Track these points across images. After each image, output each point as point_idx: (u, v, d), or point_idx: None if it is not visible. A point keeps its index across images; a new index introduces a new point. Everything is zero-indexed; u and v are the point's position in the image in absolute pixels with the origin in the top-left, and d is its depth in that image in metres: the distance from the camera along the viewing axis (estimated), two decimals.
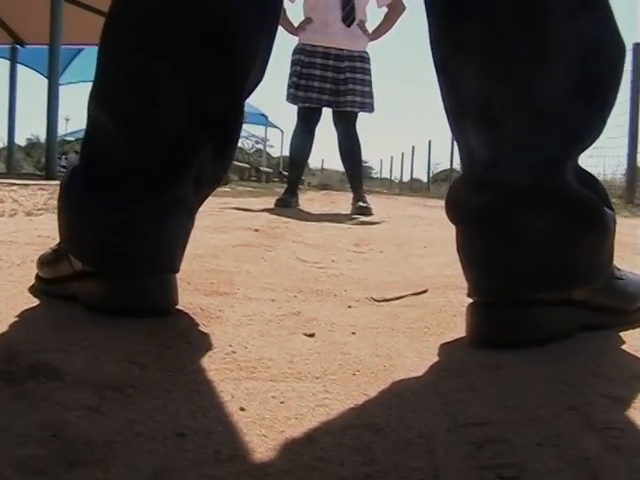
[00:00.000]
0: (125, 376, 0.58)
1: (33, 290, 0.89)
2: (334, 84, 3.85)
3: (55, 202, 2.81)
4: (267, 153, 22.19)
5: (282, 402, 0.56)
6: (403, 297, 1.10)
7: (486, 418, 0.54)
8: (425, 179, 19.46)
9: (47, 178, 5.76)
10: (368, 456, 0.47)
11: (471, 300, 0.80)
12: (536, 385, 0.63)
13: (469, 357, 0.73)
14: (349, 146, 3.97)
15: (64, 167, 9.56)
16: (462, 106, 0.77)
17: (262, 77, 0.85)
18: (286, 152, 5.71)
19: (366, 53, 3.93)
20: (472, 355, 0.73)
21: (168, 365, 0.63)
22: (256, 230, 2.12)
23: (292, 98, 3.89)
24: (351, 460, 0.46)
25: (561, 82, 0.71)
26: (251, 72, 0.81)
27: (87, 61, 9.78)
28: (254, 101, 18.28)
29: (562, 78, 0.71)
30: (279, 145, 34.46)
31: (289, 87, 3.91)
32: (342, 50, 3.85)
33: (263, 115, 19.35)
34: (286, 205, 3.80)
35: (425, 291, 1.14)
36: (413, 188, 18.73)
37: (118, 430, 0.46)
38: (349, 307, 1.01)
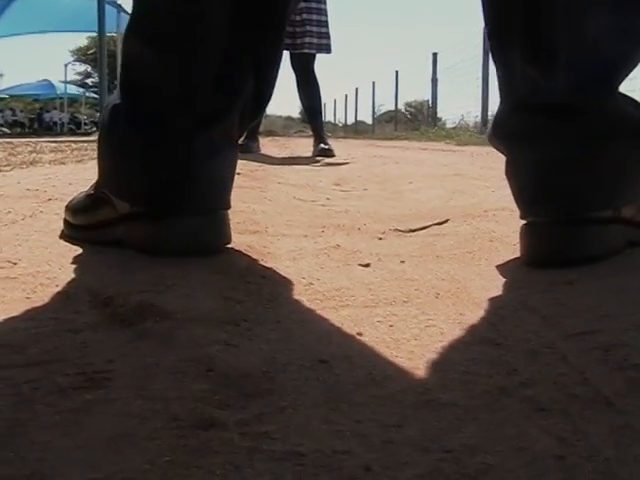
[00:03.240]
0: (229, 311, 0.56)
1: (66, 238, 0.86)
2: (290, 26, 3.75)
3: (16, 159, 2.64)
4: None
5: (391, 325, 0.56)
6: (428, 227, 1.10)
7: (593, 327, 0.55)
8: (369, 121, 19.44)
9: None
10: (508, 367, 0.47)
11: (523, 222, 0.80)
12: (617, 296, 0.64)
13: (535, 276, 0.74)
14: (308, 88, 3.91)
15: (1, 125, 9.12)
16: (508, 26, 0.76)
17: (295, 9, 0.83)
18: None
19: None
20: (536, 274, 0.74)
21: (260, 298, 0.61)
22: (238, 174, 2.08)
23: None
24: (496, 372, 0.46)
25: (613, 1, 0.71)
26: (289, 3, 0.77)
27: (19, 13, 9.20)
28: None
29: None
30: None
31: None
32: None
33: None
34: (248, 150, 3.72)
35: (446, 221, 1.14)
36: (358, 130, 18.68)
37: (264, 361, 0.45)
38: (380, 239, 1.01)
